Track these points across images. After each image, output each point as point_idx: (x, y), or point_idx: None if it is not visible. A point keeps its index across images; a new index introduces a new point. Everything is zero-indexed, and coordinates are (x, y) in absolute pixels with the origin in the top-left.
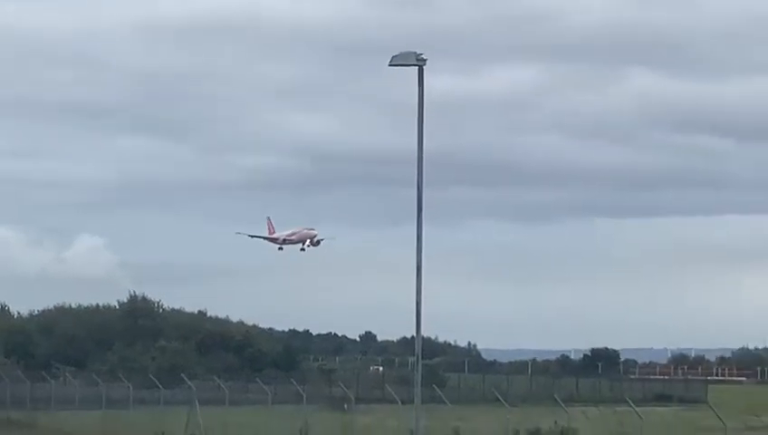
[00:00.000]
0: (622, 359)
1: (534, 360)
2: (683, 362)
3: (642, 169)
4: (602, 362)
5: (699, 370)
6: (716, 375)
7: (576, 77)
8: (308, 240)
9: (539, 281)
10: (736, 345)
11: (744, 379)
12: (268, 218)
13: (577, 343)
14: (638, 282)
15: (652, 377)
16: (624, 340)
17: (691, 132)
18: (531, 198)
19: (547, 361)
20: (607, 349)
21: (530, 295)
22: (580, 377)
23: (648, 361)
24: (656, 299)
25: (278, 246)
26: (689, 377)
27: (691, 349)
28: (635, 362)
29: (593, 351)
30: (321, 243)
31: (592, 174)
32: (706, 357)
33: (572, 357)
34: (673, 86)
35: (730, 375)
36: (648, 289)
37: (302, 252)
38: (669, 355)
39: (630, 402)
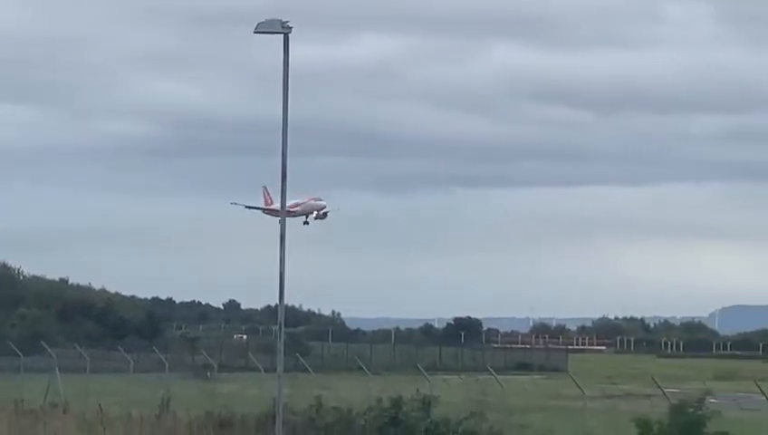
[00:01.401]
0: (485, 328)
1: (398, 329)
2: (544, 332)
3: (503, 140)
4: (465, 331)
5: (560, 339)
6: (577, 344)
7: (439, 48)
8: (314, 212)
9: (402, 250)
10: (597, 315)
11: (603, 348)
12: (264, 188)
13: (440, 312)
14: (499, 252)
15: (514, 346)
16: (487, 309)
17: (551, 104)
18: (393, 168)
19: (410, 329)
20: (470, 318)
21: (393, 265)
22: (443, 346)
23: (510, 330)
24: (517, 269)
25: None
26: (550, 346)
27: (552, 318)
28: (497, 331)
29: (456, 320)
30: (327, 214)
31: (454, 144)
32: (567, 326)
33: (436, 326)
34: (534, 59)
35: (590, 344)
36: (510, 259)
37: (306, 226)
38: (531, 324)
39: (492, 371)
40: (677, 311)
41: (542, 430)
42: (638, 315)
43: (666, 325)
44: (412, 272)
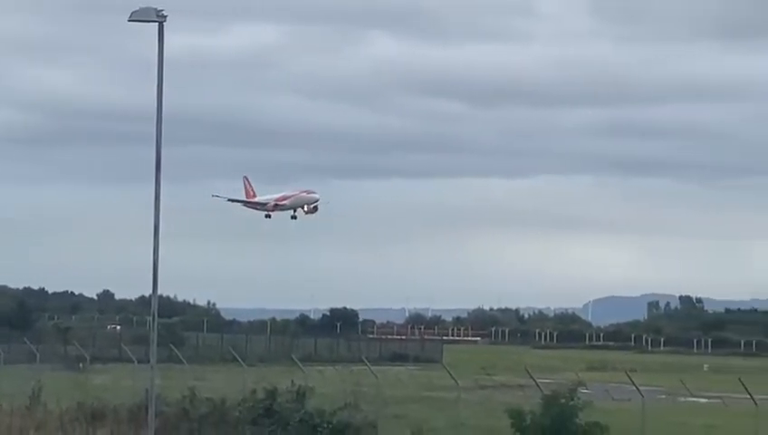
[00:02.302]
0: (361, 319)
1: (274, 319)
2: (420, 323)
3: (380, 131)
4: (341, 321)
5: (435, 330)
6: (452, 335)
7: (315, 39)
8: (305, 206)
9: (278, 241)
10: (472, 306)
11: (478, 339)
12: (245, 178)
13: (316, 303)
14: (376, 243)
15: (389, 337)
16: (363, 300)
17: (428, 96)
18: (269, 158)
19: (286, 320)
20: (346, 309)
21: (269, 255)
22: (318, 337)
23: (386, 321)
24: (394, 260)
25: (265, 213)
26: (426, 337)
27: (428, 309)
28: (373, 322)
29: (332, 310)
30: (318, 208)
31: (330, 135)
32: (443, 317)
33: (312, 317)
34: (411, 51)
35: (465, 335)
36: (387, 250)
37: (293, 220)
38: (407, 315)
39: (366, 362)
40: (551, 302)
41: (416, 421)
42: (512, 306)
43: (540, 316)
44: (288, 262)
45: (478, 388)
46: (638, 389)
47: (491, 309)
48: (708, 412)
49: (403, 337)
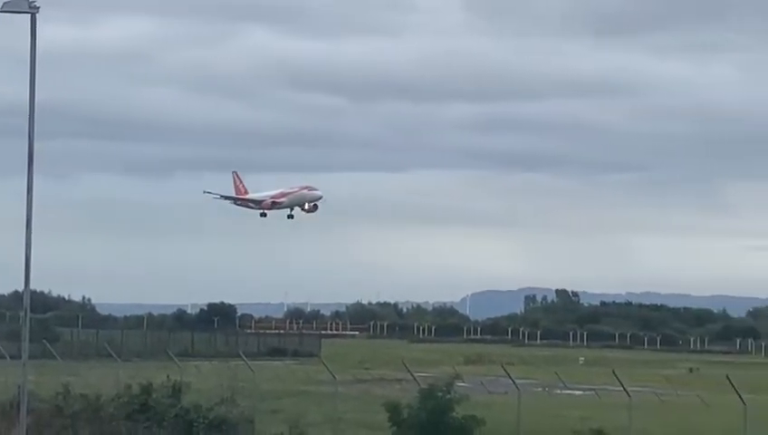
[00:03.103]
0: (239, 313)
1: (150, 314)
2: (298, 317)
3: (258, 125)
4: (219, 316)
5: (314, 324)
6: (331, 330)
7: (194, 32)
8: (306, 203)
9: (155, 235)
10: (350, 300)
11: (357, 333)
12: (235, 174)
13: (194, 298)
14: (254, 237)
15: (268, 331)
16: (241, 295)
17: (306, 91)
18: (145, 152)
19: (163, 316)
20: (223, 304)
21: (146, 250)
22: (196, 332)
23: (264, 315)
24: (272, 255)
25: (260, 211)
26: (304, 331)
27: (307, 304)
28: (251, 316)
29: (210, 305)
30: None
31: (208, 130)
32: (322, 312)
33: (189, 312)
34: (290, 45)
35: (344, 330)
36: (265, 245)
37: (290, 219)
38: (285, 310)
39: (243, 356)
40: (430, 296)
41: (293, 416)
42: (391, 301)
43: (418, 310)
44: (165, 257)
45: (356, 382)
46: (514, 382)
47: (369, 303)
48: (583, 405)
49: (281, 332)
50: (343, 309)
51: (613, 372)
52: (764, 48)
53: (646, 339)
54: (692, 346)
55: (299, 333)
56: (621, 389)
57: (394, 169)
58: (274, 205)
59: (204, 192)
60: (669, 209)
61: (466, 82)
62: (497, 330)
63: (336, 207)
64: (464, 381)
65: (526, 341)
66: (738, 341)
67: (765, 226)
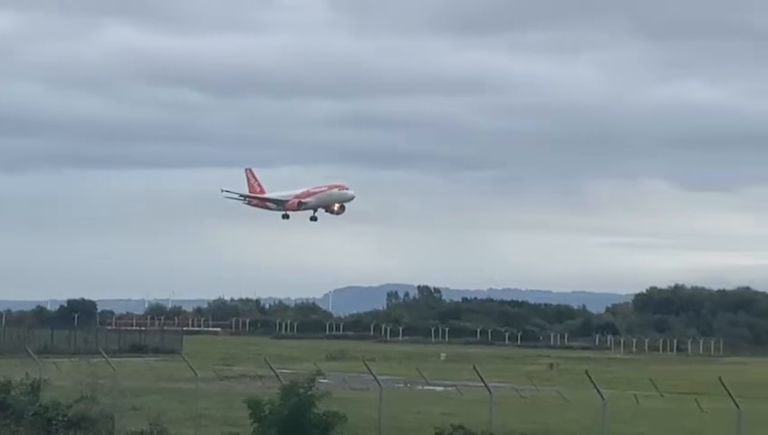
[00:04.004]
0: (99, 310)
1: (9, 311)
2: (160, 313)
3: (119, 120)
4: (79, 313)
5: (176, 321)
6: (193, 326)
7: (56, 27)
8: (336, 205)
9: (13, 231)
10: (212, 296)
11: (219, 329)
12: (248, 171)
13: (53, 294)
14: (115, 233)
15: (129, 328)
16: (101, 291)
17: (168, 86)
18: (3, 146)
19: (22, 312)
20: (83, 300)
21: (3, 245)
22: (55, 328)
23: (125, 311)
24: (133, 251)
25: (282, 212)
26: (165, 328)
27: (168, 300)
28: (112, 313)
29: (70, 302)
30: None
31: (67, 124)
32: (183, 308)
33: (49, 308)
34: (152, 40)
35: (206, 326)
36: (126, 241)
37: (313, 221)
38: (147, 306)
39: (103, 353)
40: (292, 292)
41: (154, 412)
42: (253, 297)
43: (281, 307)
44: (22, 252)
45: (218, 379)
46: (375, 378)
47: (231, 299)
48: (444, 400)
49: (142, 328)
50: (205, 305)
51: (474, 368)
52: (623, 48)
53: (507, 335)
54: (552, 342)
55: (160, 329)
56: (482, 385)
57: (257, 166)
58: (301, 205)
59: (221, 190)
60: (531, 207)
61: (330, 78)
62: (359, 326)
63: (198, 203)
64: (326, 378)
65: (388, 337)
66: (597, 336)
67: (624, 223)
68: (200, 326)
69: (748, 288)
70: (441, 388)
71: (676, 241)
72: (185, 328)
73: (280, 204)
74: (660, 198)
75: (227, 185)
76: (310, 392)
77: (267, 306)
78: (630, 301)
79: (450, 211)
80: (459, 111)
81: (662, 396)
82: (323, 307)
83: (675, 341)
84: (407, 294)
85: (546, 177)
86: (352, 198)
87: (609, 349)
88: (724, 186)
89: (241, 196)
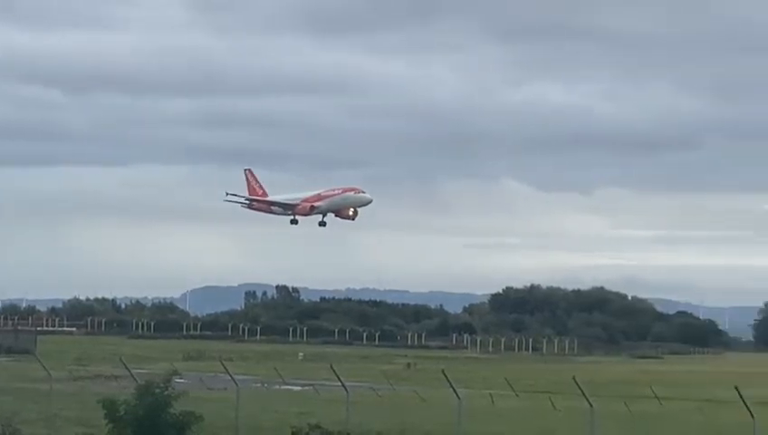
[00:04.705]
0: None
1: None
2: (14, 313)
3: None
4: None
5: (30, 320)
6: (47, 326)
7: None
8: (351, 209)
9: None
10: (68, 296)
11: (74, 329)
12: (248, 171)
13: None
14: None
15: None
16: None
17: (22, 83)
18: None
19: None
20: None
21: None
22: None
23: None
24: None
25: (291, 217)
26: (19, 328)
27: (22, 299)
28: None
29: None
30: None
31: None
32: (38, 308)
33: None
34: (6, 36)
35: (61, 326)
36: None
37: (322, 227)
38: (0, 306)
39: None
40: (149, 292)
41: (7, 413)
42: (109, 296)
43: (137, 306)
44: None
45: (73, 379)
46: (232, 377)
47: (87, 299)
48: (301, 400)
49: None
50: (60, 305)
51: (331, 367)
52: (479, 50)
53: (365, 334)
54: (410, 341)
55: (13, 329)
56: (339, 384)
57: (113, 164)
58: (313, 209)
59: (226, 194)
60: (389, 207)
61: (187, 77)
62: (217, 326)
63: (53, 202)
64: (182, 378)
65: (246, 337)
66: (454, 336)
67: (480, 223)
68: (55, 326)
69: (602, 288)
70: (299, 387)
71: (531, 241)
72: (39, 328)
73: (289, 208)
74: (516, 199)
75: (82, 183)
76: (166, 392)
77: (123, 306)
78: (487, 301)
79: None
80: (317, 110)
81: (517, 395)
82: (181, 307)
83: (530, 340)
84: (265, 294)
85: (404, 177)
86: (369, 201)
87: (466, 348)
88: (578, 187)
89: (246, 199)
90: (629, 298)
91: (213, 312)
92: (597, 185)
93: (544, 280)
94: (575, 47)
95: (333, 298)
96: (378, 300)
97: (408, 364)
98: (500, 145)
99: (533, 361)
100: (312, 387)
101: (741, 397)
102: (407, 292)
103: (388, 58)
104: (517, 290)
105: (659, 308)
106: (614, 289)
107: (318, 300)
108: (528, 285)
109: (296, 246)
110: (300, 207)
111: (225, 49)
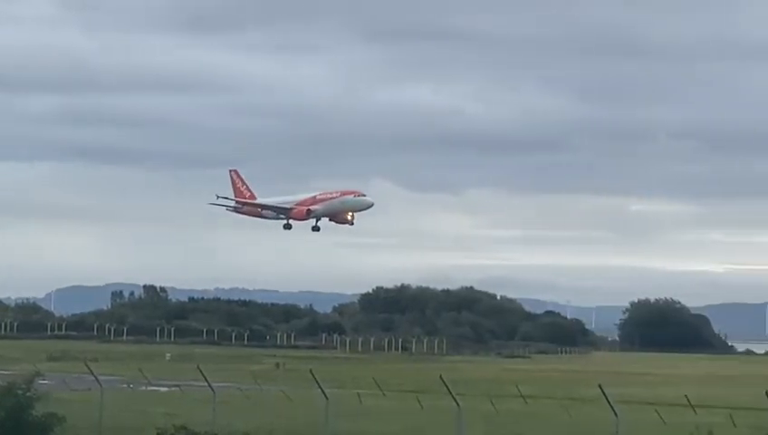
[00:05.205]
0: None
1: None
2: None
3: None
4: None
5: None
6: None
7: None
8: (350, 214)
9: None
10: None
11: None
12: (233, 172)
13: None
14: None
15: None
16: None
17: None
18: None
19: None
20: None
21: None
22: None
23: None
24: None
25: (284, 221)
26: None
27: None
28: None
29: None
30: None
31: None
32: None
33: None
34: None
35: None
36: None
37: (315, 232)
38: None
39: None
40: (12, 292)
41: None
42: None
43: (0, 306)
44: None
45: None
46: (96, 378)
47: None
48: (168, 400)
49: None
50: None
51: (198, 368)
52: (351, 50)
53: (233, 334)
54: (279, 341)
55: None
56: (206, 384)
57: None
58: (310, 213)
59: (217, 197)
60: None
61: (53, 74)
62: (83, 326)
63: None
64: (45, 379)
65: (113, 337)
66: (324, 336)
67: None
68: None
69: (471, 288)
70: (165, 388)
71: (402, 241)
72: None
73: (282, 212)
74: (387, 199)
75: None
76: (28, 394)
77: None
78: (357, 301)
79: (177, 210)
80: (185, 108)
81: (384, 395)
82: (45, 307)
83: (400, 340)
84: (132, 294)
85: (274, 176)
86: (371, 205)
87: (336, 348)
88: (448, 187)
89: (236, 202)
90: (498, 298)
91: (79, 312)
92: (467, 185)
93: (414, 280)
94: (445, 49)
95: (202, 298)
96: (247, 300)
97: (277, 364)
98: (370, 145)
99: (403, 360)
100: (178, 388)
101: (605, 395)
102: (276, 292)
103: (258, 57)
104: (387, 290)
105: (527, 308)
106: (483, 289)
107: (186, 300)
108: (398, 284)
109: (164, 245)
110: (296, 211)
111: (94, 47)
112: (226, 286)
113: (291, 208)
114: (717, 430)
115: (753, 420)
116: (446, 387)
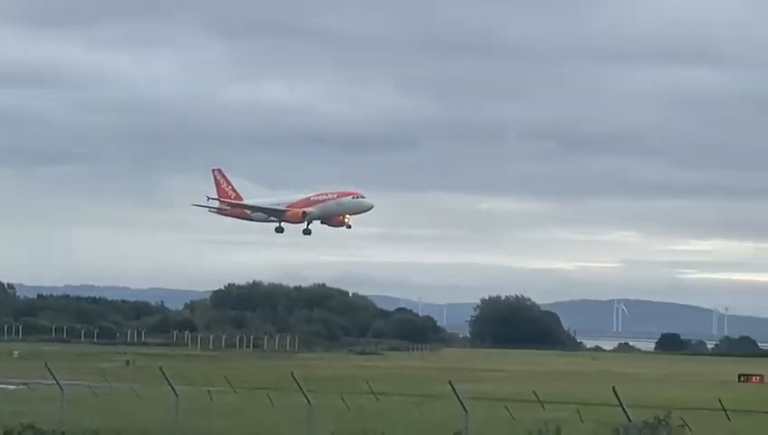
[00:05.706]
0: None
1: None
2: None
3: None
4: None
5: None
6: None
7: None
8: (347, 217)
9: None
10: None
11: None
12: (217, 172)
13: None
14: None
15: None
16: None
17: None
18: None
19: None
20: None
21: None
22: None
23: None
24: None
25: (276, 223)
26: None
27: None
28: None
29: None
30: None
31: None
32: None
33: None
34: None
35: None
36: None
37: (306, 235)
38: None
39: None
40: None
41: None
42: None
43: None
44: None
45: None
46: None
47: None
48: (15, 399)
49: None
50: None
51: (46, 366)
52: (202, 46)
53: (83, 332)
54: (129, 339)
55: None
56: (55, 382)
57: None
58: (305, 216)
59: (207, 199)
60: (109, 202)
61: None
62: None
63: None
64: None
65: None
66: (175, 333)
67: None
68: None
69: (324, 285)
70: (12, 386)
71: (254, 238)
72: None
73: (275, 214)
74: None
75: None
76: None
77: None
78: (208, 297)
79: (26, 206)
80: (35, 103)
81: (235, 392)
82: None
83: (252, 337)
84: None
85: (125, 172)
86: (370, 207)
87: (187, 345)
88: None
89: (221, 203)
90: (350, 295)
91: None
92: (319, 183)
93: (267, 277)
94: (299, 46)
95: (51, 295)
96: (96, 297)
97: (127, 362)
98: (222, 142)
99: (254, 358)
100: (26, 386)
101: (455, 392)
102: (127, 288)
103: (108, 52)
104: (239, 287)
105: (380, 305)
106: (336, 286)
107: (35, 297)
108: (250, 281)
109: (12, 241)
110: (291, 213)
111: None
112: (76, 283)
113: (284, 211)
114: (565, 425)
115: (600, 416)
116: (297, 384)
